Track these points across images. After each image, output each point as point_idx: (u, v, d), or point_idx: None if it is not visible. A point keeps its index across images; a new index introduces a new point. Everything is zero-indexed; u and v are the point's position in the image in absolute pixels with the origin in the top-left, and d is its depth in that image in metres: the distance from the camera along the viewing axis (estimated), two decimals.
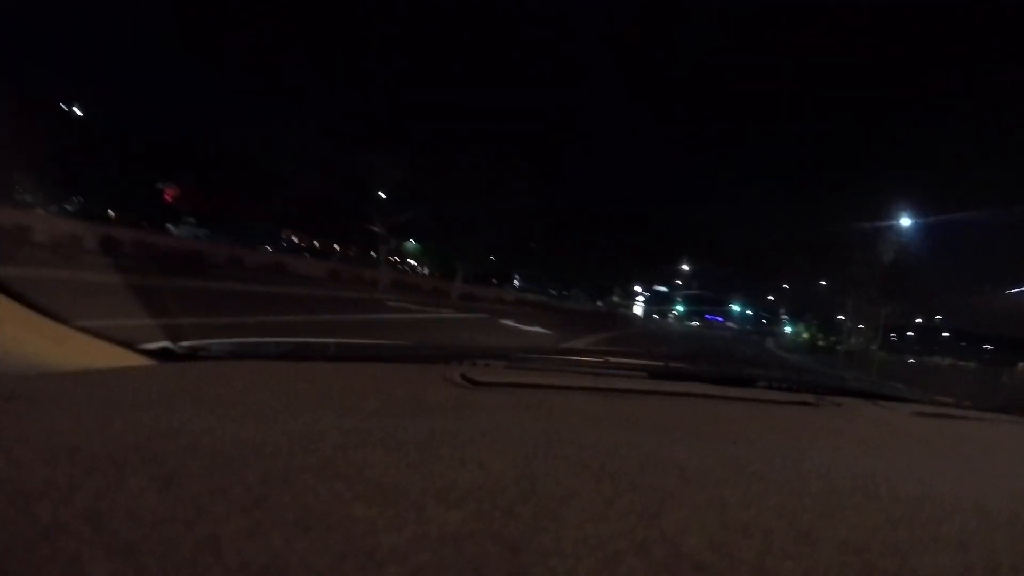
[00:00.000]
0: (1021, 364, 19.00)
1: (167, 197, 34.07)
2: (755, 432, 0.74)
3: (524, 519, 0.36)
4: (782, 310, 50.35)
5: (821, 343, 37.59)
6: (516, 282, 52.42)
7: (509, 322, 12.72)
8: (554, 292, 54.33)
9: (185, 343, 0.94)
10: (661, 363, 1.17)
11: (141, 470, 0.37)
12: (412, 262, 46.59)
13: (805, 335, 42.06)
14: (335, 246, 45.18)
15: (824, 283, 32.54)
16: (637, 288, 57.98)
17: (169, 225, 31.04)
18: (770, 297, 53.89)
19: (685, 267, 54.78)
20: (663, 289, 58.47)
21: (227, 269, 15.27)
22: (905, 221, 16.96)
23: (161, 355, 0.88)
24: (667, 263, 56.13)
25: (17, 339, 0.71)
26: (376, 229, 23.93)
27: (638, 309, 55.94)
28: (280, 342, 1.06)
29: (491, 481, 0.41)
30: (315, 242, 47.18)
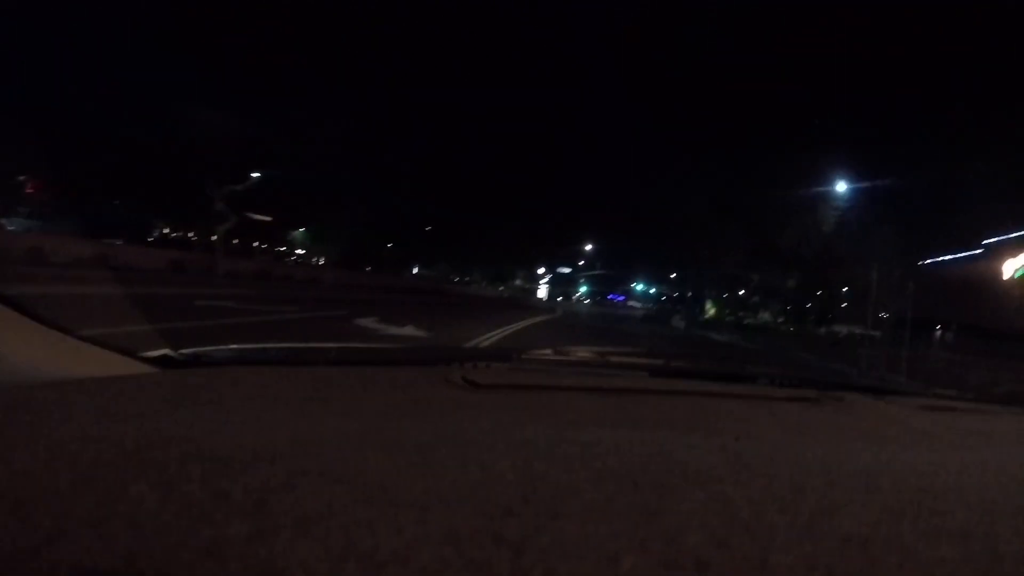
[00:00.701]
0: (938, 332, 19.25)
1: (29, 190, 30.29)
2: (757, 428, 0.75)
3: (525, 519, 0.36)
4: (686, 287, 51.46)
5: (729, 319, 38.47)
6: (415, 269, 50.53)
7: (368, 321, 10.52)
8: (455, 278, 52.87)
9: (186, 350, 0.94)
10: (662, 361, 1.18)
11: (142, 477, 0.37)
12: (300, 251, 43.60)
13: (712, 312, 42.97)
14: (213, 237, 41.46)
15: (730, 259, 33.00)
16: (541, 271, 57.63)
17: (4, 219, 27.40)
18: (672, 275, 55.03)
19: (588, 247, 54.95)
20: (566, 270, 58.57)
21: (9, 264, 12.61)
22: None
23: (162, 362, 0.88)
24: (570, 243, 56.12)
25: (19, 348, 0.71)
26: (218, 206, 20.71)
27: (542, 292, 55.70)
28: (280, 347, 1.11)
29: (492, 481, 0.41)
30: (190, 233, 43.08)
